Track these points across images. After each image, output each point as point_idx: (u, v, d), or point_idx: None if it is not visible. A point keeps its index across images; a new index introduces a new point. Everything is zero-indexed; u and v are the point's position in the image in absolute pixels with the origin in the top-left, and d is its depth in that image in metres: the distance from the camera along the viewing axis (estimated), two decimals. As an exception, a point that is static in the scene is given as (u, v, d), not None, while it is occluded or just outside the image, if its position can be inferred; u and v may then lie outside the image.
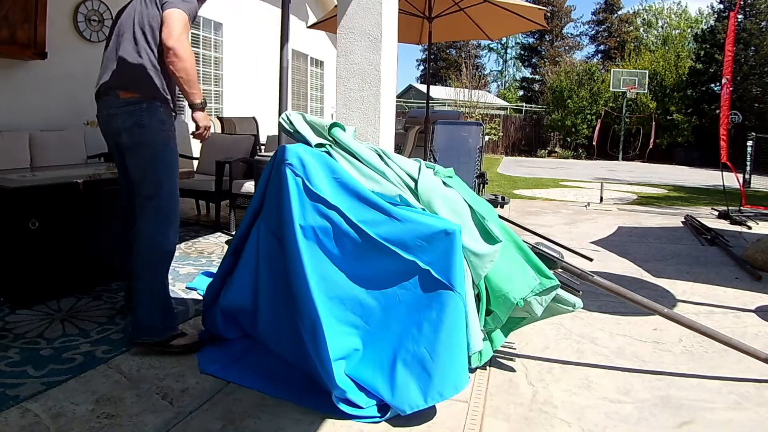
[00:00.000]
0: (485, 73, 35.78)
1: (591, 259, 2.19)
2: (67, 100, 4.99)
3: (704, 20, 25.94)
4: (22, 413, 1.71)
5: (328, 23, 6.34)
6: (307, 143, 2.10)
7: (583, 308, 2.24)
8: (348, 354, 1.88)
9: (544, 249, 2.16)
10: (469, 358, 1.91)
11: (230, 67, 7.51)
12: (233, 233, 4.38)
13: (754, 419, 1.88)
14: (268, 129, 7.26)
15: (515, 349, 2.38)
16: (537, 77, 32.63)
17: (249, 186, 4.49)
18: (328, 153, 2.06)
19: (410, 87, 30.27)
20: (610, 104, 19.34)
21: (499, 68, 39.30)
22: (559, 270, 2.14)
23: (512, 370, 2.22)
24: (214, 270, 3.17)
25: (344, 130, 2.16)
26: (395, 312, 1.86)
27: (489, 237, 1.98)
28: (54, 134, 4.61)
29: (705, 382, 2.14)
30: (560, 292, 2.04)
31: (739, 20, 16.15)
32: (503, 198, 5.81)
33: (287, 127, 2.18)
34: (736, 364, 2.26)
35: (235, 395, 1.91)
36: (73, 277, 2.87)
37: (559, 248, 2.20)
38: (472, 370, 2.03)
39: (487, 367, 2.18)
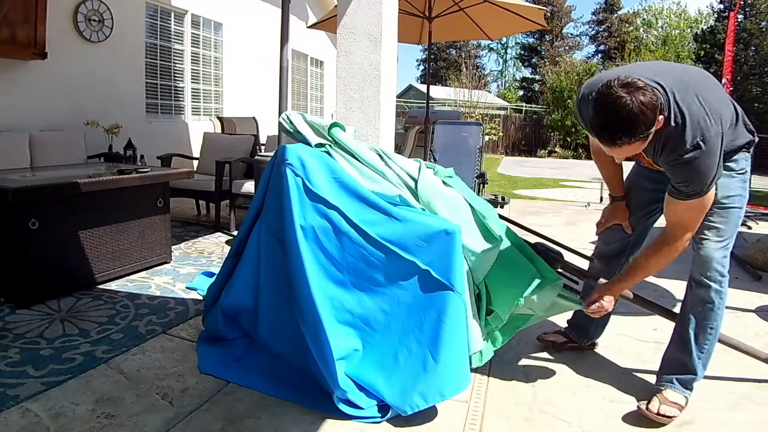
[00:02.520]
0: (485, 73, 35.80)
1: (593, 259, 2.19)
2: (67, 100, 4.99)
3: (704, 20, 25.94)
4: (22, 413, 1.71)
5: (328, 23, 6.34)
6: (307, 143, 2.09)
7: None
8: (348, 354, 1.88)
9: (544, 248, 2.15)
10: (470, 358, 1.91)
11: (230, 67, 7.51)
12: (233, 233, 4.39)
13: (754, 419, 1.88)
14: (268, 129, 7.26)
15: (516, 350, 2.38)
16: (537, 77, 32.62)
17: (249, 186, 4.49)
18: (328, 153, 2.06)
19: (410, 87, 30.26)
20: (610, 104, 19.30)
21: (499, 68, 39.32)
22: (560, 269, 2.13)
23: (512, 370, 2.22)
24: (214, 270, 3.18)
25: (344, 130, 2.16)
26: (395, 312, 1.86)
27: (490, 236, 1.97)
28: (54, 134, 4.61)
29: (705, 382, 2.13)
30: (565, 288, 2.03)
31: (739, 20, 16.15)
32: (503, 198, 5.82)
33: (287, 127, 2.18)
34: (736, 364, 2.26)
35: (235, 395, 1.91)
36: (73, 277, 2.87)
37: (560, 248, 2.20)
38: (472, 370, 2.03)
39: (488, 367, 2.18)
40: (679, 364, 1.93)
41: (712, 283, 1.85)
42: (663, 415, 1.83)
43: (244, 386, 1.96)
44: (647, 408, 1.85)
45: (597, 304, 1.94)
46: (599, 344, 2.49)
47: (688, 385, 1.92)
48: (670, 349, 1.98)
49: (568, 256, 2.15)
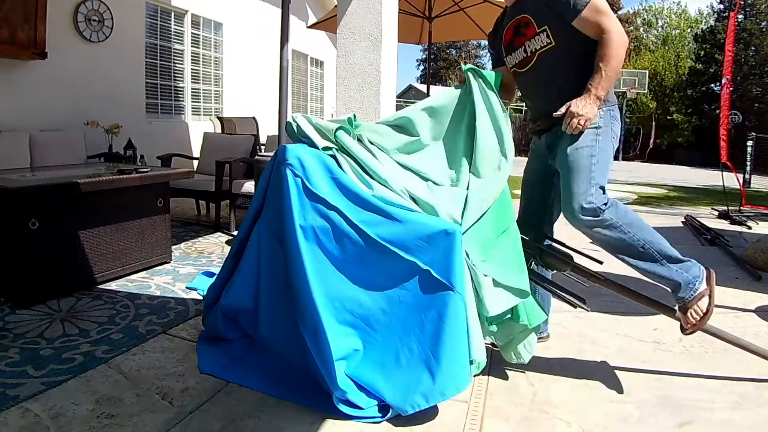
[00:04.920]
0: (485, 73, 35.68)
1: (601, 262, 2.18)
2: (67, 100, 4.99)
3: (704, 20, 25.91)
4: (22, 413, 1.71)
5: (328, 23, 6.34)
6: (314, 147, 2.09)
7: (583, 308, 2.23)
8: (348, 354, 1.88)
9: (555, 250, 2.15)
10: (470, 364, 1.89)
11: (230, 67, 7.51)
12: (233, 233, 4.39)
13: (754, 419, 1.88)
14: (268, 129, 7.26)
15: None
16: (537, 77, 32.57)
17: (249, 186, 4.49)
18: (334, 157, 2.05)
19: (410, 87, 30.24)
20: (611, 104, 19.32)
21: (499, 68, 39.21)
22: (570, 270, 2.13)
23: (512, 370, 2.21)
24: (214, 270, 3.18)
25: (348, 132, 2.14)
26: (396, 312, 1.86)
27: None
28: (54, 134, 4.61)
29: (705, 382, 2.14)
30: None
31: (739, 20, 16.15)
32: (503, 198, 5.79)
33: (294, 129, 2.17)
34: (736, 364, 2.26)
35: (235, 395, 1.91)
36: (73, 277, 2.87)
37: (568, 250, 2.20)
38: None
39: (488, 367, 2.18)
40: (666, 284, 2.02)
41: (584, 217, 1.94)
42: (697, 314, 1.99)
43: (244, 386, 1.96)
44: (685, 330, 2.04)
45: (576, 116, 1.94)
46: (600, 344, 2.49)
47: (692, 284, 1.99)
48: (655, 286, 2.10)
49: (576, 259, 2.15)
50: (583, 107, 1.94)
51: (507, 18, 2.22)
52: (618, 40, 1.91)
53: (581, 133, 1.99)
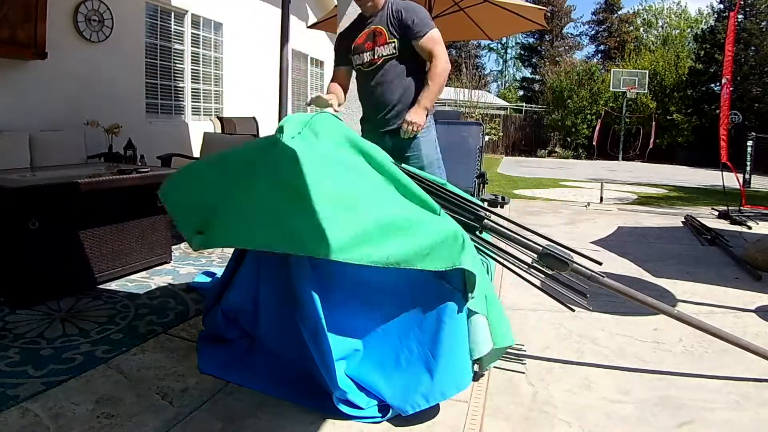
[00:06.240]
0: (485, 73, 35.73)
1: (600, 263, 2.18)
2: (67, 100, 4.99)
3: (704, 20, 25.93)
4: (22, 413, 1.71)
5: (328, 23, 6.34)
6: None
7: (584, 308, 2.23)
8: (348, 354, 1.88)
9: (555, 251, 2.15)
10: (479, 360, 1.89)
11: (230, 67, 7.51)
12: (233, 233, 4.38)
13: (754, 419, 1.88)
14: (268, 129, 7.26)
15: (525, 349, 2.37)
16: (537, 77, 32.55)
17: (249, 186, 4.48)
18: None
19: (410, 87, 30.15)
20: (610, 104, 19.33)
21: (499, 68, 39.24)
22: (570, 271, 2.13)
23: (512, 370, 2.22)
24: (214, 270, 3.18)
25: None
26: (396, 312, 1.86)
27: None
28: (54, 134, 4.61)
29: (705, 382, 2.14)
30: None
31: (739, 20, 16.15)
32: (503, 198, 5.82)
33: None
34: (736, 364, 2.26)
35: (235, 395, 1.91)
36: (73, 277, 2.87)
37: (568, 251, 2.19)
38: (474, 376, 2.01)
39: (488, 367, 2.18)
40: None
41: None
42: None
43: (244, 386, 1.96)
44: None
45: (411, 124, 2.55)
46: (600, 344, 2.49)
47: None
48: None
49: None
50: (416, 117, 2.55)
51: (360, 25, 2.72)
52: (443, 67, 2.53)
53: (426, 139, 2.70)
